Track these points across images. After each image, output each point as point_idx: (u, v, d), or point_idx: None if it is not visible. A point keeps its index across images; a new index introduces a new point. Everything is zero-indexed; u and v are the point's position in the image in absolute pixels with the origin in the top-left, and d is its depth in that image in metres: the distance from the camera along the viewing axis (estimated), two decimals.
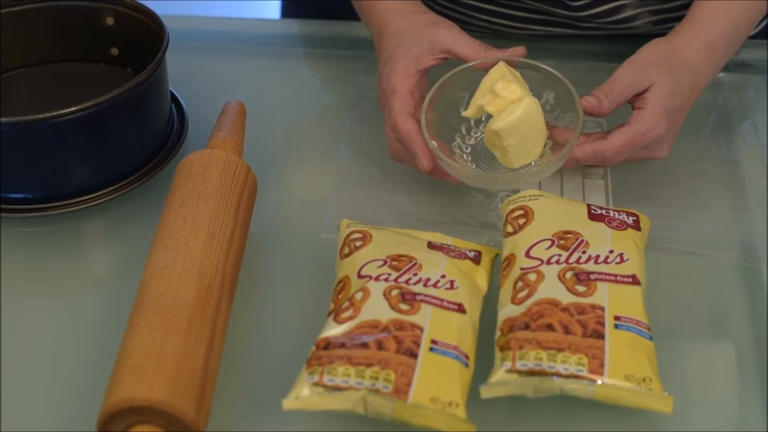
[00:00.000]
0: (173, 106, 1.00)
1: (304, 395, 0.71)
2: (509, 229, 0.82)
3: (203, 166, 0.85)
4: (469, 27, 1.07)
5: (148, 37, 0.96)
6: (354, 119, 1.02)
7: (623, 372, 0.71)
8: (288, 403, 0.71)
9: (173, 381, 0.70)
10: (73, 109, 0.86)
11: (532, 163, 0.89)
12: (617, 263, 0.77)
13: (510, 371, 0.71)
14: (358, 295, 0.76)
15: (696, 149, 0.98)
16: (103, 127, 0.89)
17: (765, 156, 0.99)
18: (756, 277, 0.87)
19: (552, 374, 0.71)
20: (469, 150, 0.93)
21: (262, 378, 0.79)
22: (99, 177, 0.91)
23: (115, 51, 1.02)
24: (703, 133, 1.01)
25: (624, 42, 1.08)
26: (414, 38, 0.91)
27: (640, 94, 0.89)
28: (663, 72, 0.88)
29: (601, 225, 0.81)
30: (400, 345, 0.72)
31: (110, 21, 1.00)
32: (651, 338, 0.74)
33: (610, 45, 1.10)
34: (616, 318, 0.73)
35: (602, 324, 0.73)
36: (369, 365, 0.71)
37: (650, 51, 0.90)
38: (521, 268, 0.78)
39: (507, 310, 0.76)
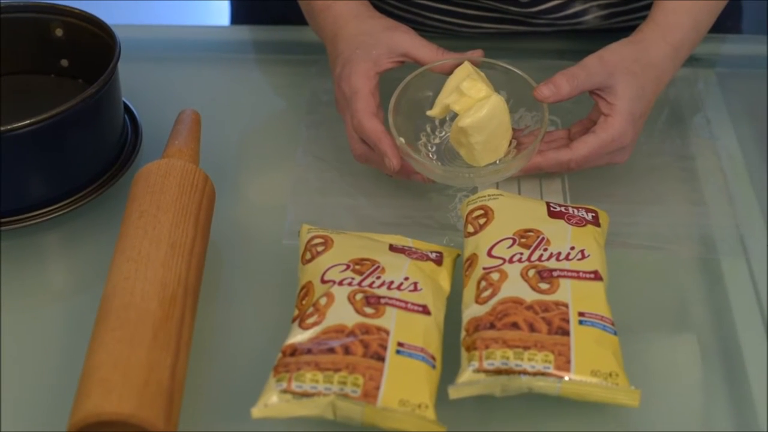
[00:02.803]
0: (126, 116, 0.99)
1: (272, 402, 0.70)
2: (470, 229, 0.82)
3: (161, 176, 0.85)
4: (421, 27, 1.07)
5: (99, 48, 0.95)
6: (310, 124, 1.02)
7: (589, 368, 0.71)
8: (257, 411, 0.71)
9: (141, 393, 0.70)
10: (27, 122, 0.84)
11: (498, 162, 0.89)
12: (579, 260, 0.77)
13: (477, 371, 0.71)
14: (323, 300, 0.76)
15: (650, 145, 0.99)
16: (58, 139, 0.88)
17: (718, 149, 0.99)
18: (714, 268, 0.88)
19: (519, 372, 0.71)
20: (434, 149, 0.93)
21: (229, 386, 0.78)
22: (54, 190, 0.90)
23: (65, 62, 1.00)
24: (657, 128, 1.01)
25: (575, 39, 1.09)
26: (372, 41, 0.91)
27: (604, 98, 0.88)
28: (628, 76, 0.88)
29: (560, 222, 0.81)
30: (367, 349, 0.72)
31: (59, 32, 0.99)
32: (615, 333, 0.74)
33: (561, 42, 1.11)
34: (581, 314, 0.74)
35: (567, 321, 0.73)
36: (337, 370, 0.71)
37: (617, 49, 0.89)
38: (484, 268, 0.78)
39: (471, 310, 0.76)
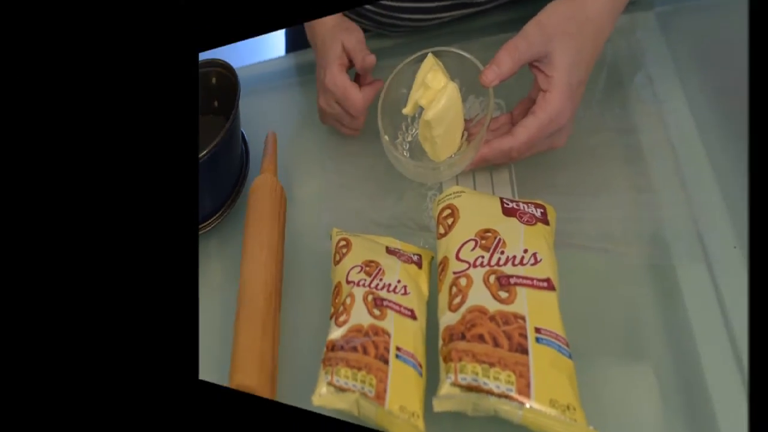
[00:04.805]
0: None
1: (323, 393, 0.38)
2: (441, 230, 0.40)
3: (267, 189, 0.52)
4: (395, 28, 0.58)
5: (226, 87, 0.60)
6: (339, 136, 0.58)
7: (548, 396, 0.32)
8: (316, 399, 0.39)
9: (260, 371, 0.44)
10: (205, 151, 0.55)
11: (453, 155, 0.44)
12: (532, 264, 0.35)
13: (453, 384, 0.34)
14: (348, 300, 0.40)
15: (589, 118, 0.42)
16: (216, 164, 0.57)
17: (664, 116, 0.41)
18: (669, 275, 0.36)
19: (486, 392, 0.33)
20: (408, 146, 0.47)
21: (298, 369, 0.46)
22: (213, 203, 0.59)
23: (216, 103, 0.64)
24: (595, 97, 0.43)
25: (514, 9, 0.53)
26: (329, 44, 0.48)
27: (543, 70, 0.39)
28: (565, 38, 0.38)
29: (513, 221, 0.37)
30: (377, 350, 0.37)
31: (214, 80, 0.64)
32: (570, 356, 0.33)
33: (501, 14, 0.54)
34: (537, 330, 0.33)
35: (525, 336, 0.33)
36: (359, 369, 0.37)
37: (554, 10, 0.39)
38: (454, 272, 0.37)
39: (446, 318, 0.36)
